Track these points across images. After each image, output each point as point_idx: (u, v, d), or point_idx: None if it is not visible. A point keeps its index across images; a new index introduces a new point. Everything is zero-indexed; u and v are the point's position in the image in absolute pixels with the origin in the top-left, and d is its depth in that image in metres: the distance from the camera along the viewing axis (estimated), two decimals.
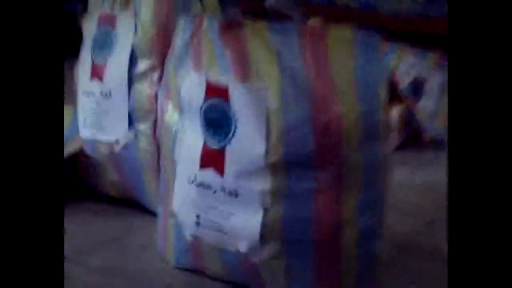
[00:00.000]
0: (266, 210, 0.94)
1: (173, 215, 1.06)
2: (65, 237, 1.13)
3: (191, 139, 1.01)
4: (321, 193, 0.93)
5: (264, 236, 0.95)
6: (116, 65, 1.25)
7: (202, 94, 0.98)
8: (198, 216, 1.01)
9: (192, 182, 1.01)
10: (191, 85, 1.00)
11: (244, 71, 0.93)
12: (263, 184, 0.94)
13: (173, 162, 1.05)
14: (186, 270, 1.08)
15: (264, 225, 0.95)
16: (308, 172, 0.92)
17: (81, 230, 1.22)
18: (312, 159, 0.91)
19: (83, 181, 1.36)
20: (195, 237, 1.03)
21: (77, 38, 1.33)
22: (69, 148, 1.33)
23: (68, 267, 1.07)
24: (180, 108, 1.04)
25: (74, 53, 1.34)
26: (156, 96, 1.18)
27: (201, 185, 0.99)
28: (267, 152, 0.93)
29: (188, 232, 1.04)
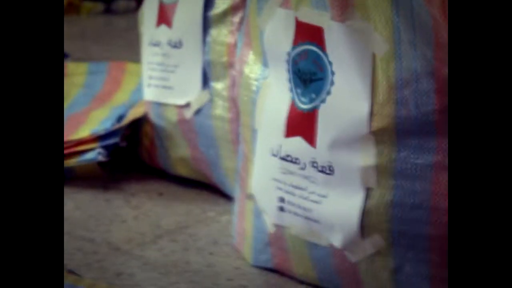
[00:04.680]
0: (369, 192, 0.81)
1: (251, 198, 0.93)
2: (119, 223, 1.05)
3: (275, 98, 0.88)
4: (444, 171, 0.77)
5: (366, 226, 0.81)
6: (189, 5, 1.12)
7: (290, 38, 0.85)
8: (282, 200, 0.87)
9: (276, 154, 0.87)
10: (277, 27, 0.87)
11: (345, 5, 0.79)
12: (366, 157, 0.80)
13: (253, 131, 0.92)
14: (267, 270, 0.94)
15: (366, 212, 0.81)
16: (427, 141, 0.78)
17: (140, 216, 1.10)
18: (434, 124, 0.77)
19: (147, 157, 1.25)
20: (278, 227, 0.89)
21: None
22: (131, 114, 1.21)
23: (119, 260, 0.95)
24: (263, 58, 0.90)
25: None
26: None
27: (286, 158, 0.86)
28: (372, 114, 0.79)
29: (270, 220, 0.90)
